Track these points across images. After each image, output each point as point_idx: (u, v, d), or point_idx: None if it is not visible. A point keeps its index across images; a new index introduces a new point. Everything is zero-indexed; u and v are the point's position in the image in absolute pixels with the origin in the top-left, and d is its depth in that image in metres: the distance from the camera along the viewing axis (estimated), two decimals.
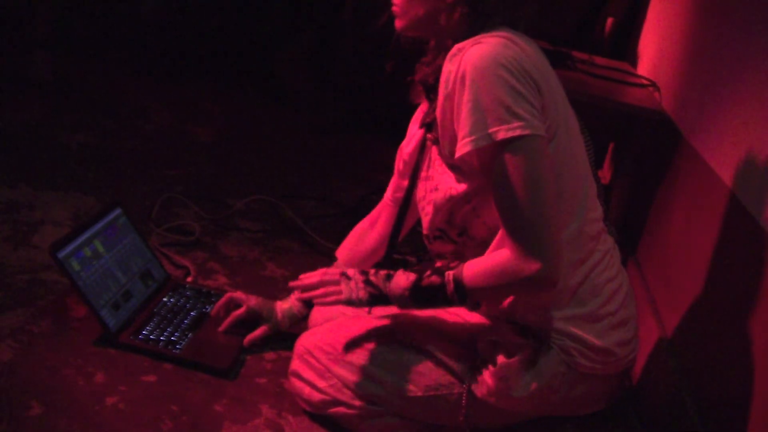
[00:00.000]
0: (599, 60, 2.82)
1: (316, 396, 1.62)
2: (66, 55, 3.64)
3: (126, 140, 3.04)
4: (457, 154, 1.38)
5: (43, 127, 2.97)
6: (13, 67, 3.42)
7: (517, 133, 1.32)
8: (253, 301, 1.87)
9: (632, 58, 3.02)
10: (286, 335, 1.85)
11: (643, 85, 2.55)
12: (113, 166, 2.76)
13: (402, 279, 1.50)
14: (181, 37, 4.12)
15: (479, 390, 1.51)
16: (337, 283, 1.53)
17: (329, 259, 2.37)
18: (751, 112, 1.72)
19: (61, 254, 1.72)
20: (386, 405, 1.58)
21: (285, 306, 1.87)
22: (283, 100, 3.93)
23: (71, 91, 3.41)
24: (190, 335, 1.82)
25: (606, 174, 3.10)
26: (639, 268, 2.31)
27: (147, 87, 3.75)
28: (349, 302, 1.52)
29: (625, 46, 3.17)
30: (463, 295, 1.44)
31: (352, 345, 1.62)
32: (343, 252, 1.89)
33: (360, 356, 1.60)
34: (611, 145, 3.10)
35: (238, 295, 1.89)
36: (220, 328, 1.84)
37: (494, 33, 1.41)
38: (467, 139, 1.35)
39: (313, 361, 1.63)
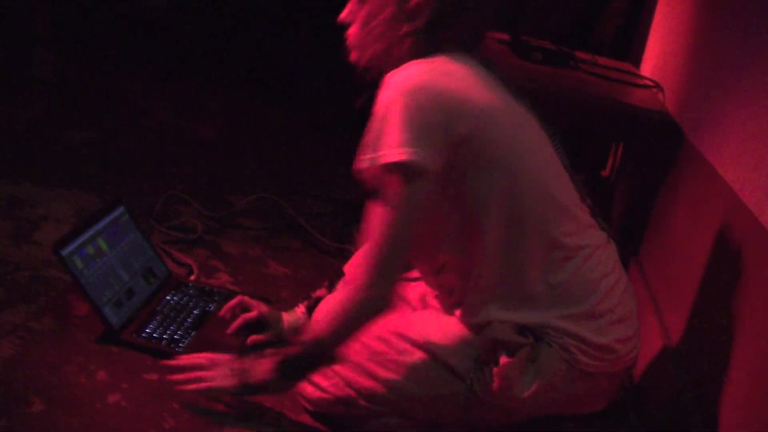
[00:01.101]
0: (602, 60, 2.82)
1: (318, 395, 1.62)
2: (68, 52, 3.64)
3: (128, 138, 3.04)
4: (354, 167, 1.42)
5: (45, 124, 2.96)
6: (15, 64, 3.41)
7: (402, 158, 1.34)
8: (263, 307, 1.87)
9: (635, 59, 3.02)
10: None
11: (646, 86, 2.55)
12: (115, 164, 2.76)
13: (266, 362, 1.51)
14: (183, 35, 4.12)
15: (481, 389, 1.51)
16: (207, 368, 1.56)
17: (330, 257, 2.38)
18: (754, 113, 1.71)
19: (65, 252, 1.72)
20: (388, 404, 1.58)
21: (291, 318, 1.88)
22: (285, 98, 3.93)
23: (73, 89, 3.41)
24: (192, 333, 1.81)
25: (609, 174, 3.10)
26: (641, 268, 2.31)
27: (149, 85, 3.75)
28: (218, 390, 1.55)
29: (629, 46, 3.17)
30: (323, 346, 1.48)
31: (354, 344, 1.62)
32: (350, 268, 1.88)
33: (361, 355, 1.59)
34: (614, 146, 3.10)
35: (249, 299, 1.88)
36: (229, 330, 1.82)
37: (430, 58, 1.44)
38: (360, 157, 1.40)
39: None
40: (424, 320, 1.64)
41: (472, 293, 1.53)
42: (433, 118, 1.37)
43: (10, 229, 2.13)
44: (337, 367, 1.59)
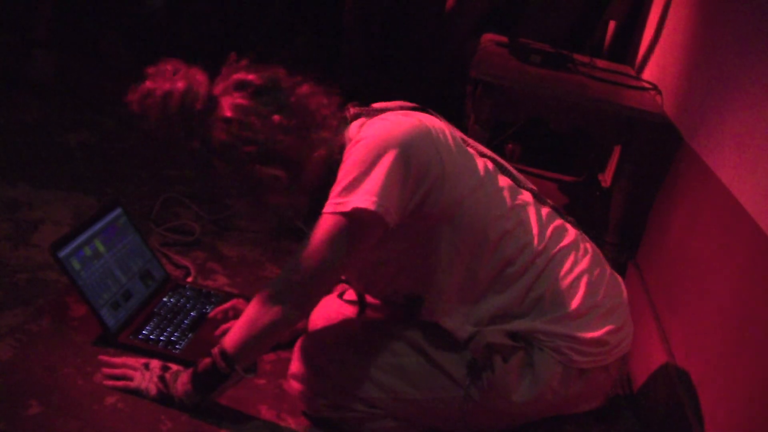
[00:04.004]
0: (601, 63, 2.82)
1: (316, 398, 1.62)
2: (66, 54, 3.64)
3: (126, 140, 3.04)
4: (327, 208, 1.44)
5: (43, 126, 2.96)
6: (14, 66, 3.41)
7: (370, 207, 1.37)
8: None
9: (634, 62, 3.02)
10: None
11: (644, 89, 2.55)
12: (113, 166, 2.75)
13: (185, 375, 1.56)
14: (180, 37, 4.12)
15: (478, 394, 1.51)
16: (135, 369, 1.61)
17: None
18: (752, 116, 1.72)
19: (62, 253, 1.71)
20: (386, 408, 1.58)
21: None
22: None
23: (71, 91, 3.40)
24: (190, 335, 1.81)
25: (607, 177, 3.10)
26: (639, 271, 2.31)
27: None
28: (137, 391, 1.58)
29: (627, 49, 3.17)
30: (230, 361, 1.49)
31: (352, 347, 1.62)
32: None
33: (360, 359, 1.59)
34: (612, 148, 3.10)
35: (243, 303, 1.87)
36: (217, 332, 1.81)
37: (404, 112, 1.49)
38: (334, 198, 1.42)
39: (313, 362, 1.63)
40: (421, 325, 1.63)
41: (447, 319, 1.55)
42: (410, 171, 1.40)
43: (8, 231, 2.13)
44: (334, 371, 1.59)
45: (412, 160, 1.40)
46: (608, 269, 1.64)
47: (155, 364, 1.62)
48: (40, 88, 3.31)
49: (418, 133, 1.43)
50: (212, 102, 1.47)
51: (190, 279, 2.11)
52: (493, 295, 1.53)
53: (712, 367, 1.64)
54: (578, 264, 1.56)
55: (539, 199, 1.63)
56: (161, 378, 1.58)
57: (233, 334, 1.51)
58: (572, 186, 3.08)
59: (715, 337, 1.65)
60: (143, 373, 1.60)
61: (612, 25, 3.17)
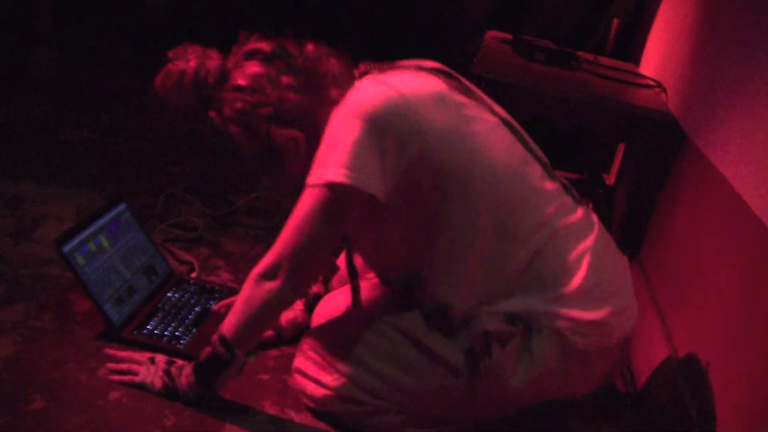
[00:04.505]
0: (605, 60, 2.82)
1: (320, 392, 1.62)
2: (68, 51, 3.64)
3: (129, 136, 3.04)
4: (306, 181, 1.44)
5: (46, 122, 2.96)
6: (16, 64, 3.41)
7: (342, 180, 1.37)
8: None
9: (638, 59, 3.02)
10: None
11: (649, 86, 2.55)
12: (116, 162, 2.76)
13: (188, 367, 1.57)
14: (182, 34, 4.12)
15: (477, 382, 1.50)
16: (141, 364, 1.62)
17: (333, 256, 2.36)
18: (756, 114, 1.71)
19: (66, 248, 1.71)
20: (387, 399, 1.58)
21: (290, 316, 1.88)
22: None
23: (74, 88, 3.41)
24: (194, 331, 1.81)
25: (611, 175, 3.10)
26: (643, 268, 2.31)
27: (149, 83, 3.74)
28: (142, 386, 1.59)
29: (631, 46, 3.17)
30: (229, 346, 1.49)
31: (353, 340, 1.62)
32: (343, 263, 1.88)
33: (361, 351, 1.59)
34: (616, 146, 3.10)
35: None
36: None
37: (383, 75, 1.47)
38: (311, 173, 1.42)
39: (316, 357, 1.63)
40: (411, 308, 1.62)
41: (446, 294, 1.53)
42: (385, 144, 1.39)
43: (12, 227, 2.13)
44: (337, 364, 1.59)
45: (385, 130, 1.38)
46: (614, 250, 1.61)
47: (160, 358, 1.62)
48: (41, 85, 3.32)
49: (391, 105, 1.40)
50: (224, 74, 1.51)
51: (194, 275, 2.11)
52: (492, 267, 1.49)
53: (715, 364, 1.63)
54: (582, 242, 1.52)
55: (549, 172, 1.60)
56: (167, 372, 1.58)
57: (230, 319, 1.51)
58: (576, 184, 3.07)
59: (719, 334, 1.65)
60: (148, 368, 1.61)
61: (616, 22, 3.17)
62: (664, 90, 2.48)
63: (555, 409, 1.59)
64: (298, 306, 1.89)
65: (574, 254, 1.50)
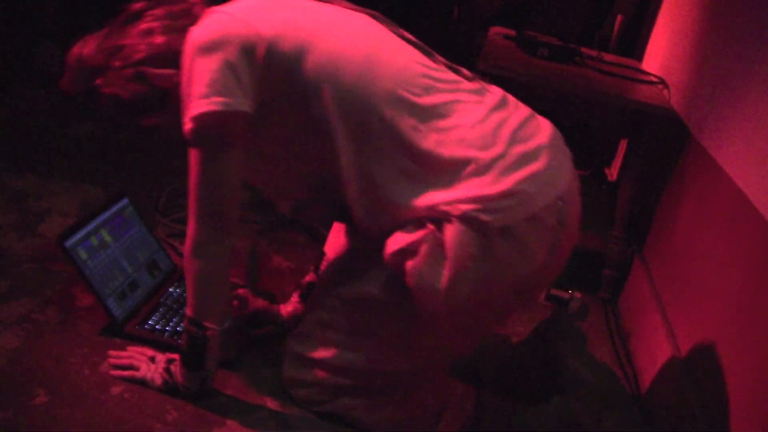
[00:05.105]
0: (608, 57, 2.81)
1: (315, 391, 1.62)
2: (72, 46, 3.64)
3: (132, 131, 3.04)
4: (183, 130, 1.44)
5: (50, 117, 2.97)
6: (21, 58, 3.42)
7: (208, 108, 1.37)
8: (259, 303, 1.87)
9: (641, 56, 3.01)
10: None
11: (652, 83, 2.54)
12: (120, 157, 2.76)
13: (178, 360, 1.58)
14: None
15: (407, 307, 1.46)
16: (142, 360, 1.63)
17: None
18: (760, 110, 1.71)
19: (69, 243, 1.72)
20: (367, 366, 1.56)
21: (289, 308, 1.89)
22: None
23: None
24: None
25: (613, 171, 3.10)
26: (646, 265, 2.31)
27: None
28: (143, 381, 1.60)
29: (635, 43, 3.16)
30: (196, 322, 1.50)
31: (314, 323, 1.64)
32: (329, 248, 1.89)
33: (319, 333, 1.61)
34: (619, 142, 3.10)
35: (245, 294, 1.88)
36: None
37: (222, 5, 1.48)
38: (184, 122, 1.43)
39: (302, 354, 1.63)
40: (336, 265, 1.64)
41: (355, 207, 1.48)
42: (229, 58, 1.37)
43: (15, 221, 2.14)
44: (318, 355, 1.60)
45: (223, 46, 1.38)
46: (519, 113, 1.49)
47: (161, 357, 1.63)
48: (46, 80, 3.32)
49: (220, 23, 1.42)
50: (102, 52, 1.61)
51: None
52: (388, 166, 1.42)
53: (718, 361, 1.63)
54: (471, 113, 1.43)
55: (431, 57, 1.52)
56: (167, 369, 1.59)
57: (188, 299, 1.52)
58: (580, 180, 3.08)
59: (722, 331, 1.65)
60: (149, 364, 1.61)
61: (620, 18, 3.16)
62: (667, 87, 2.48)
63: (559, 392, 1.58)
64: (294, 298, 1.90)
65: (465, 128, 1.41)
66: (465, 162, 1.39)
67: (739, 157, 1.77)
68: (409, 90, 1.42)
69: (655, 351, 1.96)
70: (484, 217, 1.36)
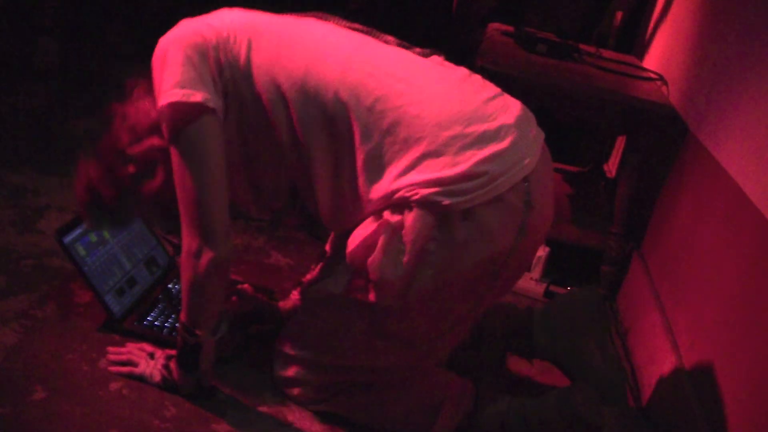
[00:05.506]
0: (606, 53, 2.81)
1: (308, 390, 1.62)
2: (70, 41, 3.64)
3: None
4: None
5: (48, 113, 2.96)
6: (19, 53, 3.41)
7: (177, 98, 1.38)
8: (258, 299, 1.88)
9: (640, 52, 3.01)
10: None
11: (650, 79, 2.54)
12: None
13: (174, 359, 1.58)
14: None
15: (374, 301, 1.46)
16: (141, 356, 1.63)
17: None
18: (758, 107, 1.71)
19: (67, 239, 1.72)
20: (348, 363, 1.56)
21: (288, 306, 1.89)
22: None
23: (76, 78, 3.40)
24: None
25: (612, 168, 3.10)
26: (644, 262, 2.31)
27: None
28: (142, 378, 1.60)
29: (633, 39, 3.16)
30: (189, 330, 1.50)
31: (301, 329, 1.64)
32: (330, 246, 1.89)
33: (299, 336, 1.62)
34: (617, 139, 3.10)
35: (244, 291, 1.88)
36: None
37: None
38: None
39: (288, 354, 1.63)
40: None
41: (324, 209, 1.50)
42: (188, 54, 1.40)
43: (14, 217, 2.13)
44: (299, 353, 1.61)
45: (180, 44, 1.41)
46: (484, 92, 1.45)
47: (160, 353, 1.63)
48: (45, 75, 3.31)
49: (179, 27, 1.47)
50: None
51: None
52: (347, 162, 1.42)
53: (717, 358, 1.64)
54: (420, 92, 1.40)
55: (379, 38, 1.52)
56: (166, 365, 1.59)
57: (183, 304, 1.51)
58: (577, 176, 3.08)
59: (721, 328, 1.65)
60: (148, 360, 1.61)
61: (619, 15, 3.16)
62: (665, 83, 2.48)
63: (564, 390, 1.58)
64: (294, 295, 1.90)
65: (415, 113, 1.37)
66: (418, 140, 1.36)
67: (738, 153, 1.77)
68: (359, 74, 1.41)
69: (653, 347, 1.97)
70: (445, 200, 1.33)
